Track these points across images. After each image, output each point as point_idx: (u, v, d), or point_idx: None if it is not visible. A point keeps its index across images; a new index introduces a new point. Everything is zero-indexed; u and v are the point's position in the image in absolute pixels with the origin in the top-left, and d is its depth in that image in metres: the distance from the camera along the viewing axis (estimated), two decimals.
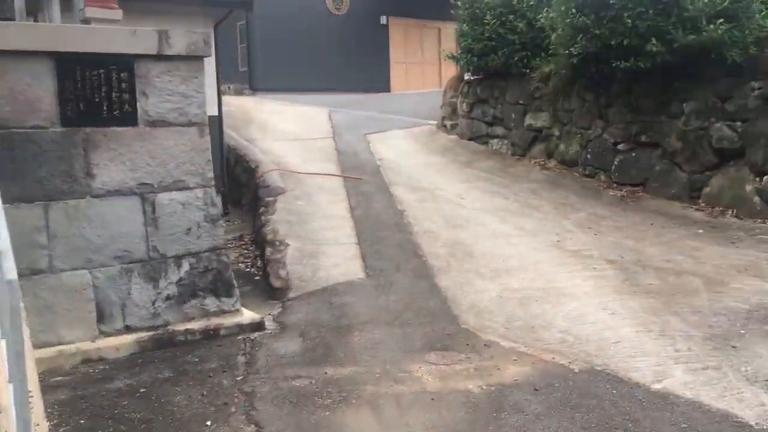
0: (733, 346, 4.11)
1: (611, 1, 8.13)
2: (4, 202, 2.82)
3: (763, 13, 7.95)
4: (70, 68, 4.33)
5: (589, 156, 9.54)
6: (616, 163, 9.13)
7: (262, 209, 7.64)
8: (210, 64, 9.22)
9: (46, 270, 4.25)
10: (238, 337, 4.66)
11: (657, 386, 3.65)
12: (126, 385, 4.00)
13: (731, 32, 7.68)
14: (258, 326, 4.80)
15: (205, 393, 3.85)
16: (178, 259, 4.64)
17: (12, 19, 5.12)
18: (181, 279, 4.63)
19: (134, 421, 3.54)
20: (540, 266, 5.93)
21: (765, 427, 3.24)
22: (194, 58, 4.62)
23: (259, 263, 6.67)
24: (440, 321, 4.82)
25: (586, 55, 8.77)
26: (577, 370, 3.88)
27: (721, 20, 7.62)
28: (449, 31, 12.30)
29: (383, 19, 23.23)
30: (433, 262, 6.11)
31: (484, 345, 4.34)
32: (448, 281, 5.64)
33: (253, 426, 3.46)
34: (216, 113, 9.39)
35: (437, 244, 6.59)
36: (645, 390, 3.61)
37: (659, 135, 8.63)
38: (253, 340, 4.61)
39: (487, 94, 11.51)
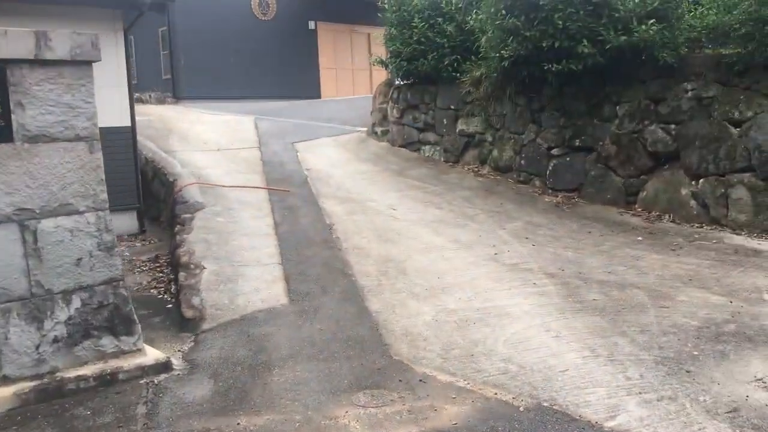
0: (687, 371, 3.78)
1: (541, 2, 7.88)
2: None
3: (692, 13, 7.82)
4: None
5: (523, 162, 9.27)
6: (550, 168, 8.88)
7: (178, 228, 7.01)
8: (121, 71, 8.57)
9: None
10: (141, 382, 4.07)
11: (611, 424, 3.27)
12: None
13: (662, 33, 7.52)
14: (164, 367, 4.21)
15: None
16: (68, 294, 4.02)
17: None
18: (71, 318, 4.01)
19: None
20: (477, 283, 5.54)
21: None
22: (81, 63, 4.02)
23: (173, 288, 6.06)
24: (370, 352, 4.34)
25: (517, 58, 8.50)
26: (522, 408, 3.46)
27: (653, 21, 7.45)
28: (379, 36, 11.87)
29: (311, 25, 22.68)
30: (363, 282, 5.64)
31: (419, 380, 3.88)
32: (379, 304, 5.17)
33: None
34: (129, 123, 8.69)
35: (368, 262, 6.12)
36: (598, 430, 3.21)
37: (593, 139, 8.42)
38: (157, 384, 4.02)
39: (417, 99, 11.14)
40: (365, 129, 12.55)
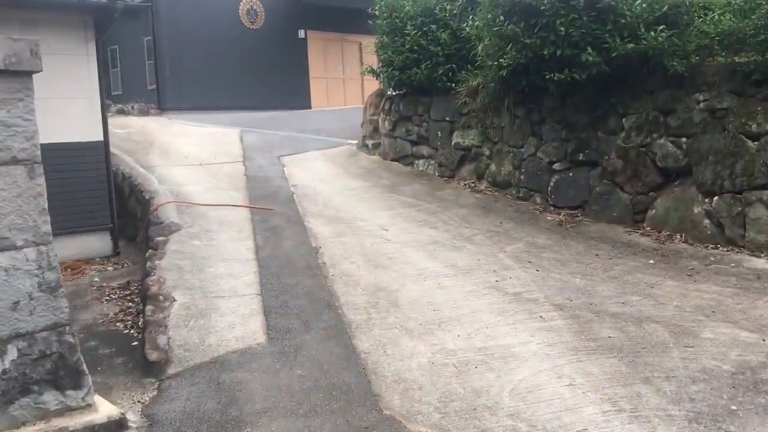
0: None
1: (542, 8, 7.36)
2: None
3: (702, 19, 7.32)
4: None
5: (522, 177, 8.73)
6: (552, 184, 8.34)
7: (149, 252, 6.43)
8: (92, 81, 8.01)
9: None
10: None
11: None
12: None
13: (671, 40, 7.02)
14: (118, 425, 3.63)
15: None
16: (2, 343, 3.44)
17: None
18: (5, 371, 3.43)
19: None
20: (478, 316, 4.97)
21: None
22: (18, 74, 3.45)
23: (141, 322, 5.47)
24: (358, 405, 3.77)
25: (516, 66, 7.98)
26: None
27: (662, 27, 6.95)
28: (370, 44, 11.35)
29: (301, 33, 22.17)
30: (351, 316, 5.06)
31: None
32: (368, 343, 4.60)
33: None
34: (101, 138, 8.12)
35: (356, 291, 5.55)
36: None
37: (597, 153, 7.90)
38: None
39: (410, 110, 10.61)
40: (356, 142, 12.01)
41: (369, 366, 4.26)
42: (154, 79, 20.02)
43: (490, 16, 8.05)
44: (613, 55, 7.18)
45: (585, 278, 5.83)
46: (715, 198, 6.79)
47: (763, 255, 6.24)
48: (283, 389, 3.99)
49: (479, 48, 8.64)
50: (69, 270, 7.37)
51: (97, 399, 3.78)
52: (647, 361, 4.10)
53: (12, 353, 3.47)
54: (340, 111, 17.72)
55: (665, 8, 7.07)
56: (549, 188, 8.36)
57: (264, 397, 3.91)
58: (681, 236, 6.99)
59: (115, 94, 22.03)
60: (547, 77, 7.60)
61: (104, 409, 3.71)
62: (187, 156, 10.86)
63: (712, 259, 6.29)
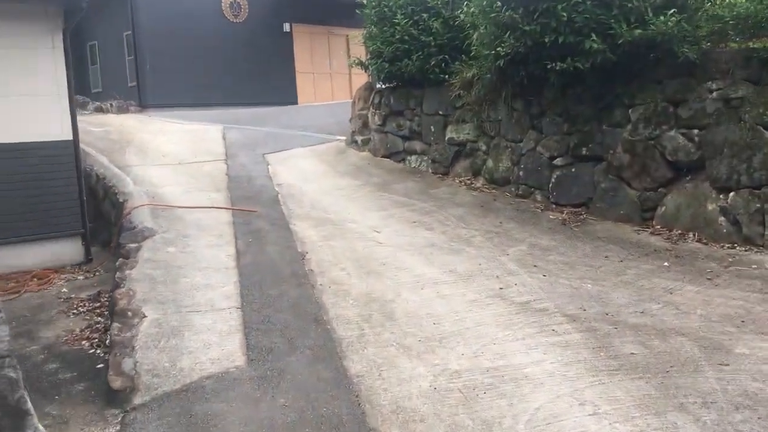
0: None
1: None
2: None
3: (712, 3, 6.83)
4: None
5: (521, 173, 8.22)
6: (553, 180, 7.85)
7: (120, 261, 5.88)
8: (59, 76, 7.43)
9: None
10: None
11: None
12: None
13: (681, 25, 6.53)
14: None
15: None
16: None
17: None
18: None
19: None
20: (484, 330, 4.46)
21: None
22: None
23: (108, 339, 4.92)
24: None
25: (515, 56, 7.48)
26: None
27: (673, 11, 6.45)
28: (358, 36, 10.79)
29: (286, 27, 21.55)
30: (341, 332, 4.54)
31: None
32: (361, 364, 4.08)
33: None
34: (70, 137, 7.53)
35: (347, 303, 5.03)
36: None
37: (602, 147, 7.40)
38: None
39: (401, 104, 10.08)
40: (344, 138, 11.47)
41: (362, 393, 3.74)
42: (135, 75, 19.37)
43: (486, 2, 7.53)
44: (619, 41, 6.69)
45: (597, 284, 5.34)
46: (731, 194, 6.31)
47: None
48: (264, 423, 3.47)
49: (474, 37, 8.14)
50: (35, 280, 6.82)
51: None
52: (678, 382, 3.60)
53: None
54: (327, 106, 17.17)
55: None
56: (550, 185, 7.87)
57: None
58: (694, 235, 6.52)
59: (95, 91, 21.36)
60: (548, 67, 7.10)
61: None
62: (166, 155, 10.28)
63: (731, 260, 5.82)
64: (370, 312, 4.84)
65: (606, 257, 6.06)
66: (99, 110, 15.85)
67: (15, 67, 6.95)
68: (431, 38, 9.11)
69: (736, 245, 6.17)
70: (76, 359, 4.69)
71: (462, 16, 8.34)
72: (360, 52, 12.11)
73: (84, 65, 22.01)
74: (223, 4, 20.27)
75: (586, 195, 7.55)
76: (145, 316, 4.75)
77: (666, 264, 5.83)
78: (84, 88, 21.71)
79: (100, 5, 19.84)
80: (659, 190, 6.94)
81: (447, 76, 9.03)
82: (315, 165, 9.96)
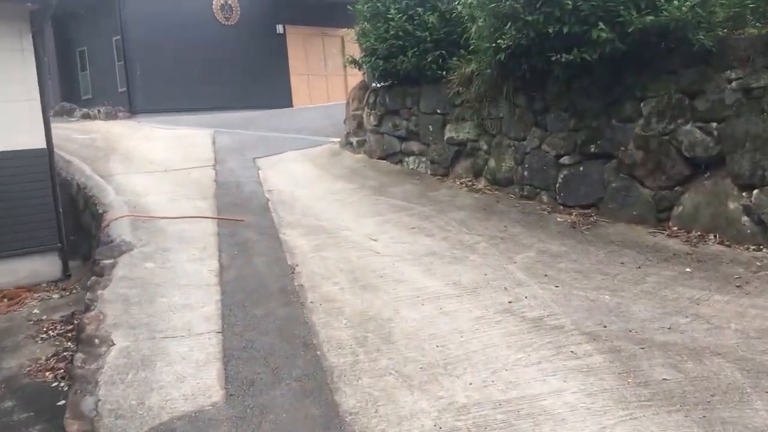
0: None
1: None
2: None
3: None
4: None
5: (526, 173, 7.73)
6: (560, 180, 7.36)
7: (92, 280, 5.39)
8: (29, 81, 6.95)
9: None
10: None
11: None
12: None
13: (695, 10, 6.04)
14: None
15: None
16: None
17: None
18: None
19: None
20: (493, 354, 3.97)
21: None
22: None
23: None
24: None
25: (516, 48, 7.00)
26: None
27: None
28: (350, 33, 10.30)
29: (279, 28, 21.07)
30: (333, 358, 4.04)
31: None
32: (355, 398, 3.58)
33: None
34: (43, 145, 7.05)
35: (340, 323, 4.53)
36: None
37: (612, 144, 6.91)
38: None
39: (397, 103, 9.59)
40: (339, 140, 10.98)
41: None
42: (125, 81, 18.89)
43: None
44: (629, 30, 6.21)
45: (615, 295, 4.84)
46: (755, 191, 5.82)
47: None
48: None
49: (473, 30, 7.66)
50: (5, 300, 6.34)
51: None
52: (724, 416, 3.10)
53: None
54: (322, 108, 16.70)
55: None
56: (557, 185, 7.38)
57: None
58: (715, 237, 6.03)
59: (86, 98, 20.89)
60: (552, 59, 6.61)
61: None
62: (152, 162, 9.80)
63: (759, 264, 5.33)
64: (365, 333, 4.34)
65: (622, 263, 5.57)
66: (86, 117, 15.38)
67: None
68: (427, 33, 8.62)
69: (762, 247, 5.68)
70: (37, 394, 4.20)
71: (459, 7, 7.86)
72: (356, 51, 11.61)
73: (73, 72, 21.53)
74: (214, 7, 19.80)
75: (595, 195, 7.06)
76: (113, 344, 4.25)
77: (688, 270, 5.34)
78: (74, 95, 21.23)
79: (88, 9, 19.39)
80: (675, 188, 6.45)
81: (445, 73, 8.54)
82: (308, 169, 9.47)
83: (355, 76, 16.99)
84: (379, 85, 10.03)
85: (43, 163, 7.02)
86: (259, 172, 9.24)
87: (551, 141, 7.44)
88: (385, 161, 9.67)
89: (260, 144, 11.17)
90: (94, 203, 7.69)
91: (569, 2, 6.33)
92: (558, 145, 7.37)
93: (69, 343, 5.08)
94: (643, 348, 3.90)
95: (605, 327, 4.26)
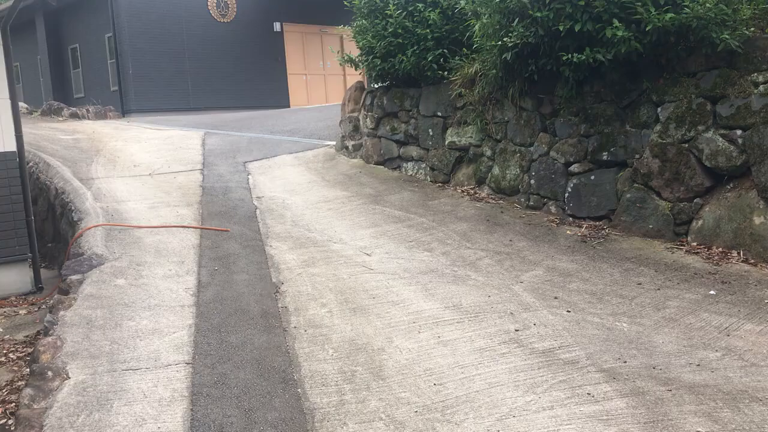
0: None
1: None
2: None
3: None
4: None
5: (533, 182, 7.23)
6: (569, 190, 6.86)
7: (55, 299, 4.88)
8: None
9: None
10: None
11: None
12: None
13: (719, 7, 5.55)
14: None
15: None
16: None
17: None
18: None
19: None
20: (498, 395, 3.46)
21: None
22: None
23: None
24: None
25: (523, 48, 6.53)
26: None
27: None
28: (347, 30, 9.80)
29: (277, 26, 20.59)
30: (315, 398, 3.53)
31: None
32: None
33: None
34: (13, 148, 6.55)
35: (326, 354, 4.03)
36: None
37: (626, 151, 6.41)
38: None
39: (396, 105, 9.09)
40: (335, 143, 10.47)
41: None
42: (117, 79, 18.40)
43: None
44: (647, 28, 5.72)
45: (634, 322, 4.34)
46: None
47: None
48: None
49: (476, 27, 7.18)
50: None
51: None
52: None
53: None
54: (319, 109, 16.17)
55: None
56: (566, 195, 6.88)
57: None
58: (739, 254, 5.53)
59: (78, 96, 20.42)
60: (564, 59, 6.12)
61: None
62: (137, 165, 9.29)
63: None
64: (353, 367, 3.84)
65: (639, 284, 5.06)
66: (74, 116, 14.86)
67: None
68: (428, 31, 8.12)
69: None
70: None
71: (462, 3, 7.37)
72: (356, 50, 11.10)
73: (66, 70, 21.06)
74: (209, 3, 19.32)
75: (607, 207, 6.56)
76: (68, 378, 3.74)
77: (712, 292, 4.84)
78: (66, 94, 20.76)
79: (80, 5, 18.90)
80: (695, 200, 5.95)
81: (446, 73, 8.05)
82: (301, 174, 8.96)
83: (355, 76, 16.49)
84: (376, 86, 9.54)
85: (12, 167, 6.52)
86: (249, 177, 8.73)
87: (560, 147, 6.94)
88: (382, 167, 9.17)
89: (253, 146, 10.66)
90: (71, 210, 7.19)
91: None
92: (567, 152, 6.87)
93: (27, 370, 4.56)
94: (670, 390, 3.39)
95: (625, 362, 3.75)
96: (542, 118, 7.16)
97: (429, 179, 8.55)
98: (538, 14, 6.16)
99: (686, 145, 5.94)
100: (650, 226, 6.19)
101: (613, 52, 5.95)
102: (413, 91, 8.82)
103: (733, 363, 3.69)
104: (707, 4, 5.48)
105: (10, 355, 4.95)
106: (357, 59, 9.31)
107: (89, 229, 6.23)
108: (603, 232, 6.37)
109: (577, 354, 3.88)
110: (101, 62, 18.97)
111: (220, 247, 6.02)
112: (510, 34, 6.47)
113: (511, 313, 4.54)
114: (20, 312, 6.04)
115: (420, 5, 8.25)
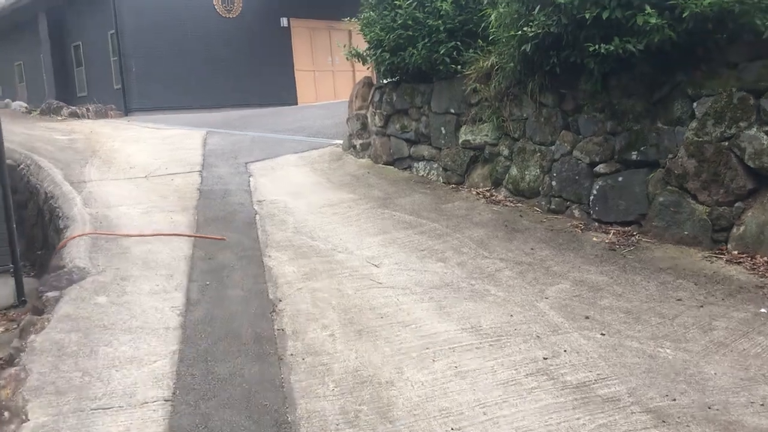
0: None
1: None
2: None
3: None
4: None
5: (554, 183, 6.68)
6: (594, 192, 6.30)
7: (27, 320, 4.38)
8: None
9: None
10: None
11: None
12: None
13: None
14: None
15: None
16: None
17: None
18: None
19: None
20: None
21: None
22: None
23: None
24: None
25: (545, 38, 5.98)
26: None
27: None
28: (354, 24, 9.27)
29: (284, 21, 20.08)
30: None
31: None
32: None
33: None
34: None
35: (326, 388, 3.50)
36: None
37: (658, 150, 5.85)
38: None
39: (406, 102, 8.55)
40: (342, 142, 9.95)
41: None
42: (120, 77, 17.96)
43: None
44: (684, 15, 5.15)
45: (678, 347, 3.79)
46: None
47: None
48: None
49: (492, 17, 6.64)
50: None
51: None
52: None
53: None
54: (327, 106, 15.65)
55: None
56: (591, 198, 6.33)
57: None
58: None
59: (81, 95, 20.02)
60: (591, 50, 5.56)
61: None
62: (133, 166, 8.81)
63: None
64: (357, 406, 3.31)
65: (679, 300, 4.51)
66: (74, 116, 14.43)
67: None
68: (440, 22, 7.58)
69: None
70: None
71: None
72: (364, 45, 10.56)
73: (68, 68, 20.66)
74: None
75: (637, 211, 6.00)
76: (27, 420, 3.24)
77: (763, 310, 4.28)
78: (69, 92, 20.36)
79: (83, 2, 18.48)
80: (736, 204, 5.38)
81: (459, 67, 7.50)
82: (305, 175, 8.45)
83: (364, 72, 15.97)
84: (385, 82, 9.01)
85: None
86: (251, 179, 8.23)
87: (584, 146, 6.39)
88: (391, 167, 8.65)
89: (255, 146, 10.16)
90: (58, 216, 6.72)
91: None
92: (592, 152, 6.31)
93: None
94: None
95: (674, 400, 3.21)
96: (564, 114, 6.60)
97: (441, 180, 8.02)
98: (562, 1, 5.60)
99: (726, 144, 5.37)
100: (685, 233, 5.62)
101: (644, 42, 5.39)
102: (424, 86, 8.28)
103: None
104: None
105: None
106: (365, 53, 8.79)
107: (73, 238, 5.75)
108: (633, 238, 5.81)
109: (617, 389, 3.34)
110: (104, 60, 18.54)
111: (214, 258, 5.52)
112: (530, 24, 5.93)
113: (538, 337, 4.00)
114: None
115: None
